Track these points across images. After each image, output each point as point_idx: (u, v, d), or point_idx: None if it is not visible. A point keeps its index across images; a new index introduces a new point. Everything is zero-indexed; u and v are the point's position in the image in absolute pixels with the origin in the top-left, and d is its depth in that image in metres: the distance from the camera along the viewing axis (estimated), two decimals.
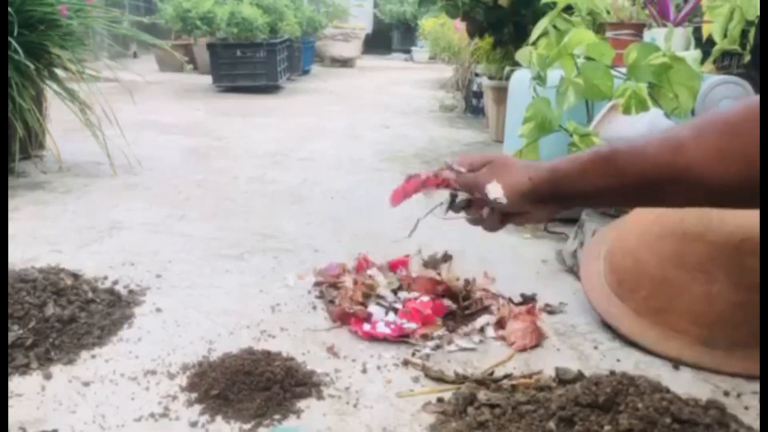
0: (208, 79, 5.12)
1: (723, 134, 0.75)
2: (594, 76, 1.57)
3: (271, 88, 5.02)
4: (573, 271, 1.46)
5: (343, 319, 1.17)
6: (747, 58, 2.02)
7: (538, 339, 1.13)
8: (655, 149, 0.81)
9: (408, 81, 6.45)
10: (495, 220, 0.98)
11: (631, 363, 1.08)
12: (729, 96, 1.80)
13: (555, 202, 0.91)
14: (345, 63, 8.33)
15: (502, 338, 1.13)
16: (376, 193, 2.19)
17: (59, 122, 2.43)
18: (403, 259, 1.37)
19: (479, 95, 3.99)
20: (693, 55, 1.62)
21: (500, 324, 1.17)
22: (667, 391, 0.78)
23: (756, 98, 0.76)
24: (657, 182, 0.81)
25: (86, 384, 0.97)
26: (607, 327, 1.19)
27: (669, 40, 1.73)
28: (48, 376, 0.97)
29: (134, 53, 7.21)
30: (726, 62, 2.15)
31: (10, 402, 0.91)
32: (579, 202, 1.03)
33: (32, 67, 2.02)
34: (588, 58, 1.61)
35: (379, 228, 1.78)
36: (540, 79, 1.66)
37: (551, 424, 0.75)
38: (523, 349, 1.10)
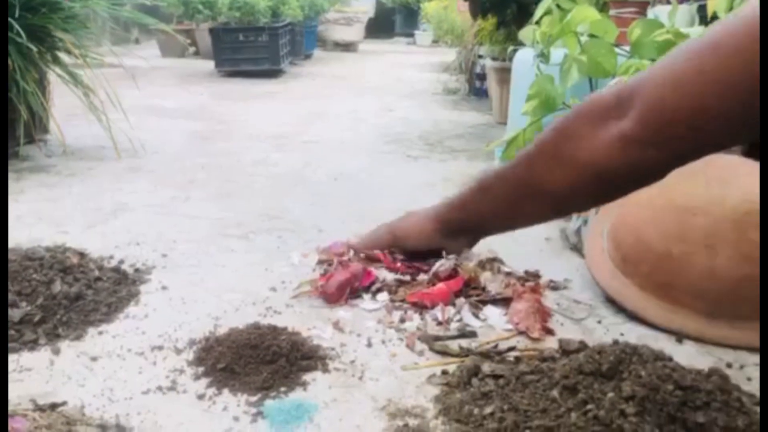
0: (210, 64, 5.11)
1: (558, 138, 0.83)
2: (597, 54, 1.56)
3: (273, 72, 5.01)
4: (577, 248, 1.46)
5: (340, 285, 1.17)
6: None
7: (543, 319, 1.09)
8: (512, 169, 0.95)
9: (411, 64, 6.43)
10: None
11: (634, 337, 1.09)
12: None
13: (461, 233, 1.12)
14: (347, 47, 8.30)
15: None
16: (379, 175, 2.20)
17: (62, 107, 2.44)
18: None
19: (483, 77, 3.98)
20: (697, 31, 1.61)
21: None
22: (670, 359, 0.79)
23: (583, 103, 0.82)
24: (518, 200, 0.93)
25: (94, 359, 0.98)
26: (611, 302, 1.20)
27: (673, 17, 1.72)
28: (56, 352, 0.98)
29: (136, 39, 7.19)
30: None
31: (20, 376, 0.92)
32: (478, 230, 1.19)
33: (35, 50, 2.02)
34: (591, 36, 1.61)
35: (383, 209, 1.79)
36: (543, 57, 1.65)
37: (555, 393, 0.76)
38: (528, 333, 1.07)
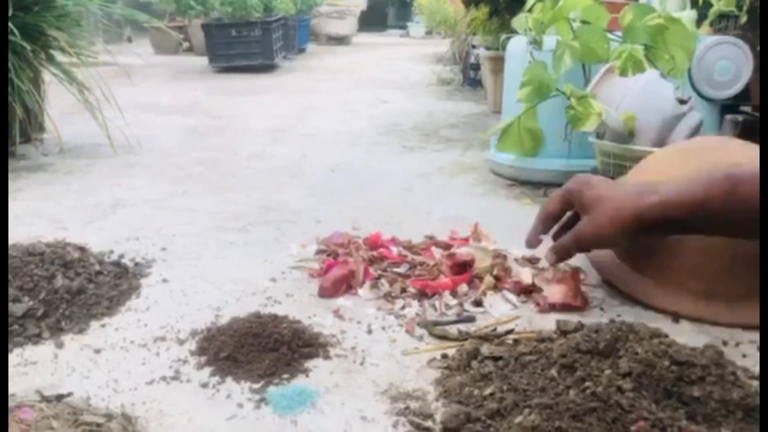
0: (203, 60, 5.10)
1: None
2: (590, 39, 1.57)
3: (267, 67, 5.01)
4: None
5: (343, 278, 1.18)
6: (744, 19, 2.02)
7: (582, 303, 1.12)
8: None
9: (404, 56, 6.43)
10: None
11: (630, 318, 1.09)
12: (726, 57, 1.81)
13: (660, 233, 0.92)
14: (341, 40, 8.29)
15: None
16: (376, 165, 2.21)
17: (57, 106, 2.44)
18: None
19: (477, 67, 3.99)
20: (689, 15, 1.63)
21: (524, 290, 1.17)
22: (666, 336, 0.80)
23: None
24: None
25: (98, 351, 0.99)
26: (608, 284, 1.21)
27: (664, 2, 1.73)
28: (60, 345, 0.99)
29: (129, 38, 7.17)
30: (722, 24, 2.15)
31: (25, 370, 0.93)
32: (688, 232, 0.99)
33: (29, 48, 2.02)
34: (583, 22, 1.62)
35: (380, 199, 1.80)
36: (536, 43, 1.66)
37: (553, 372, 0.77)
38: (567, 307, 1.10)
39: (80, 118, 2.32)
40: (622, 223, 0.86)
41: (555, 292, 1.12)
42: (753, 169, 0.77)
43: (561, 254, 1.09)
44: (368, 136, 2.69)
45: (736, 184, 0.78)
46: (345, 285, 1.18)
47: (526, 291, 1.17)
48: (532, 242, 1.15)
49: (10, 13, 1.92)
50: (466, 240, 1.35)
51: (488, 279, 1.17)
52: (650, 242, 1.14)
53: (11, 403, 0.80)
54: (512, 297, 1.15)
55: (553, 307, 1.10)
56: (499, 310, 1.11)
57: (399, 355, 0.98)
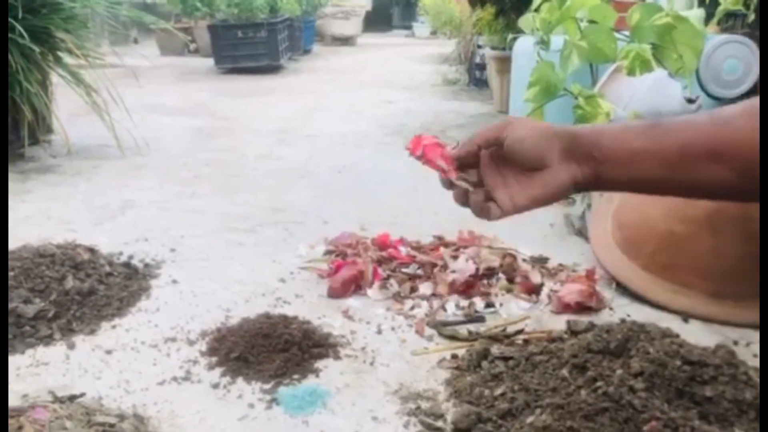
0: (209, 62, 5.11)
1: None
2: (597, 39, 1.57)
3: (273, 68, 5.01)
4: (581, 233, 1.47)
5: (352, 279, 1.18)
6: (752, 17, 2.01)
7: (597, 303, 1.11)
8: (701, 121, 0.71)
9: (410, 57, 6.42)
10: (510, 189, 0.76)
11: (640, 317, 1.09)
12: (734, 55, 1.80)
13: (582, 155, 0.75)
14: (346, 41, 8.29)
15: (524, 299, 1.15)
16: (382, 166, 2.21)
17: (65, 108, 2.45)
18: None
19: (482, 67, 3.98)
20: (696, 14, 1.62)
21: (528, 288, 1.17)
22: (677, 336, 0.80)
23: None
24: (696, 155, 0.69)
25: (109, 352, 0.99)
26: (616, 284, 1.21)
27: (672, 1, 1.72)
28: (71, 346, 1.00)
29: (135, 39, 7.19)
30: (730, 22, 2.14)
31: (37, 370, 0.94)
32: (607, 164, 0.79)
33: (37, 51, 2.03)
34: (591, 22, 1.61)
35: (387, 199, 1.80)
36: (544, 43, 1.66)
37: (564, 372, 0.77)
38: (582, 307, 1.10)
39: (87, 120, 2.33)
40: (544, 127, 0.73)
41: (570, 293, 1.12)
42: (678, 117, 0.74)
43: (477, 140, 0.77)
44: (374, 137, 2.69)
45: (660, 121, 0.73)
46: (354, 285, 1.18)
47: (536, 290, 1.17)
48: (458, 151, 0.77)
49: (19, 15, 1.93)
50: (472, 240, 1.35)
51: (503, 282, 1.18)
52: (659, 240, 1.14)
53: (25, 404, 0.81)
54: (523, 297, 1.15)
55: (568, 308, 1.10)
56: (509, 311, 1.11)
57: (409, 355, 0.98)
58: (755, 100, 0.72)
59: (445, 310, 1.11)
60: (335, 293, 1.17)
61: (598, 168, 0.75)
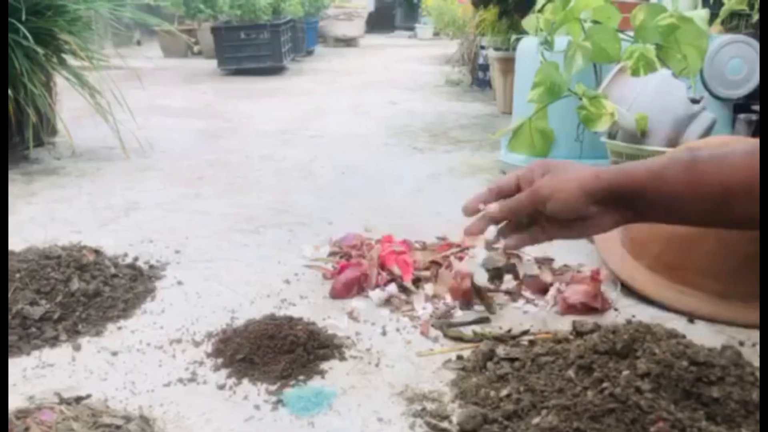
0: (213, 63, 5.12)
1: None
2: (601, 39, 1.57)
3: (276, 70, 5.02)
4: None
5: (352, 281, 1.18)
6: (755, 18, 2.01)
7: (603, 304, 1.11)
8: (739, 157, 0.75)
9: (413, 58, 6.43)
10: (548, 233, 0.83)
11: (646, 318, 1.09)
12: (738, 56, 1.80)
13: (624, 205, 0.80)
14: (349, 42, 8.30)
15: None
16: (386, 167, 2.21)
17: (69, 109, 2.45)
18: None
19: (485, 68, 3.98)
20: (701, 14, 1.62)
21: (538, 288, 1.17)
22: (683, 336, 0.79)
23: None
24: (736, 195, 0.74)
25: (114, 354, 0.99)
26: (621, 284, 1.21)
27: (676, 1, 1.72)
28: (77, 347, 1.00)
29: (138, 41, 7.21)
30: (734, 22, 2.13)
31: (43, 372, 0.94)
32: (649, 209, 0.85)
33: (41, 52, 2.03)
34: (595, 22, 1.61)
35: (391, 200, 1.81)
36: (548, 44, 1.66)
37: (570, 373, 0.77)
38: (587, 308, 1.09)
39: (92, 121, 2.33)
40: (583, 184, 0.78)
41: (575, 293, 1.12)
42: (713, 148, 0.77)
43: (507, 209, 0.86)
44: (378, 138, 2.69)
45: (696, 159, 0.76)
46: (357, 287, 1.18)
47: (543, 291, 1.16)
48: (470, 208, 0.88)
49: (24, 18, 1.94)
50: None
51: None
52: (664, 240, 1.13)
53: (31, 405, 0.81)
54: (529, 297, 1.15)
55: (572, 308, 1.10)
56: (514, 312, 1.11)
57: (414, 356, 0.98)
58: None
59: (449, 311, 1.11)
60: (338, 294, 1.17)
61: (641, 214, 0.81)
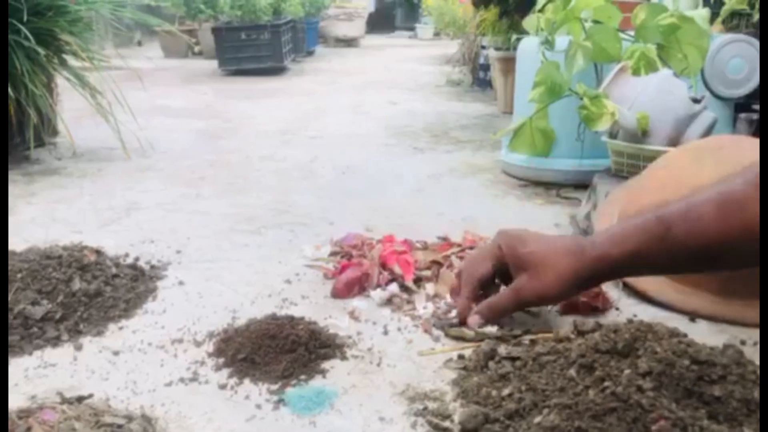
0: (213, 64, 5.13)
1: None
2: (602, 39, 1.57)
3: (276, 70, 5.02)
4: (587, 233, 1.47)
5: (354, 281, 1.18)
6: (756, 17, 2.01)
7: (604, 304, 1.11)
8: (713, 216, 0.78)
9: (413, 58, 6.43)
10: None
11: (647, 318, 1.09)
12: (739, 55, 1.80)
13: (603, 281, 0.96)
14: (349, 42, 8.31)
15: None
16: (386, 167, 2.21)
17: (70, 110, 2.46)
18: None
19: (486, 68, 3.99)
20: (702, 14, 1.62)
21: None
22: (685, 335, 0.80)
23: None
24: (719, 250, 0.79)
25: (116, 353, 0.99)
26: (623, 285, 1.20)
27: (677, 0, 1.72)
28: (79, 347, 1.00)
29: (138, 42, 7.21)
30: (735, 22, 2.13)
31: (45, 372, 0.94)
32: (630, 279, 1.05)
33: (42, 53, 2.03)
34: (595, 21, 1.61)
35: (391, 200, 1.81)
36: (548, 43, 1.66)
37: (572, 372, 0.77)
38: (588, 307, 1.09)
39: (92, 122, 2.33)
40: (565, 282, 0.89)
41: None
42: (681, 207, 0.80)
43: (494, 315, 1.01)
44: (378, 138, 2.69)
45: (669, 227, 0.80)
46: (358, 286, 1.18)
47: None
48: (464, 313, 1.03)
49: (25, 18, 1.94)
50: (478, 240, 1.35)
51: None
52: None
53: (33, 405, 0.81)
54: None
55: (574, 308, 1.10)
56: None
57: (416, 356, 0.98)
58: (754, 167, 0.76)
59: (451, 310, 1.11)
60: (339, 293, 1.17)
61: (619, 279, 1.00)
